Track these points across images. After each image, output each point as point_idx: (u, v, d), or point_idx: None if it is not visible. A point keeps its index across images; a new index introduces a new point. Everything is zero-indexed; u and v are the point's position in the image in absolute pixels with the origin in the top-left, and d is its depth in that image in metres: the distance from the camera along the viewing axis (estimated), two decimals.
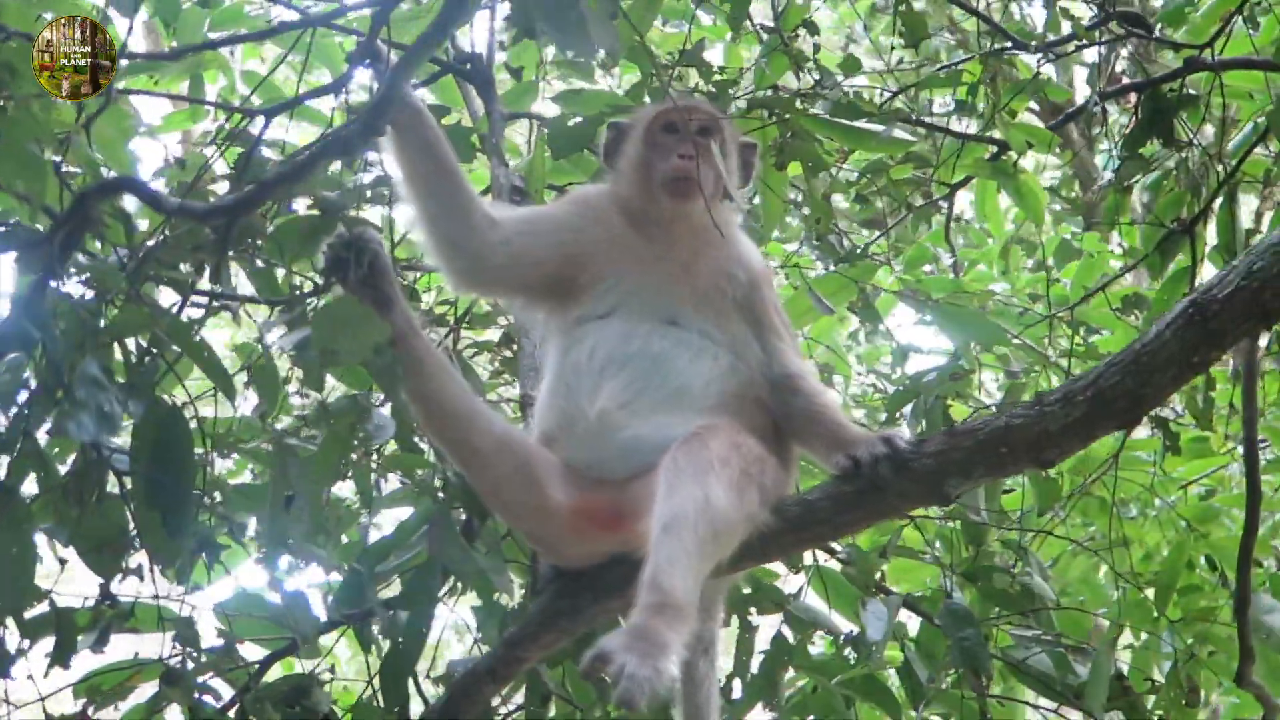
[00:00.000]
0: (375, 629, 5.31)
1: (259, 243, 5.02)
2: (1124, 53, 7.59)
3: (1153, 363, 4.53)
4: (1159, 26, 7.50)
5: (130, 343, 4.73)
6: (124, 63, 7.13)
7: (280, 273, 5.16)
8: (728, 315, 5.16)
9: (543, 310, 5.36)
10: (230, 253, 4.66)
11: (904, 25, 6.57)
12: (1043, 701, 6.66)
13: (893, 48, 7.30)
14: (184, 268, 4.93)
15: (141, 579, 5.39)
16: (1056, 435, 4.61)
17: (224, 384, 4.80)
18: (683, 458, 4.62)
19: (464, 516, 5.54)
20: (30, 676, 5.39)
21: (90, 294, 4.74)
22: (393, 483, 6.09)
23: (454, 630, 6.27)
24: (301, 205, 5.17)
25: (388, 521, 6.36)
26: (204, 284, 5.39)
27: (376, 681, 5.64)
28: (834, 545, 6.52)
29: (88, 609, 5.37)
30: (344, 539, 6.13)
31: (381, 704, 5.42)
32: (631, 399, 4.98)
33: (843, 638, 6.39)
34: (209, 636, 5.63)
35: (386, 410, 4.99)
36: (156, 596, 5.46)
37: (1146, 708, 6.45)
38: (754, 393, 5.09)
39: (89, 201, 4.45)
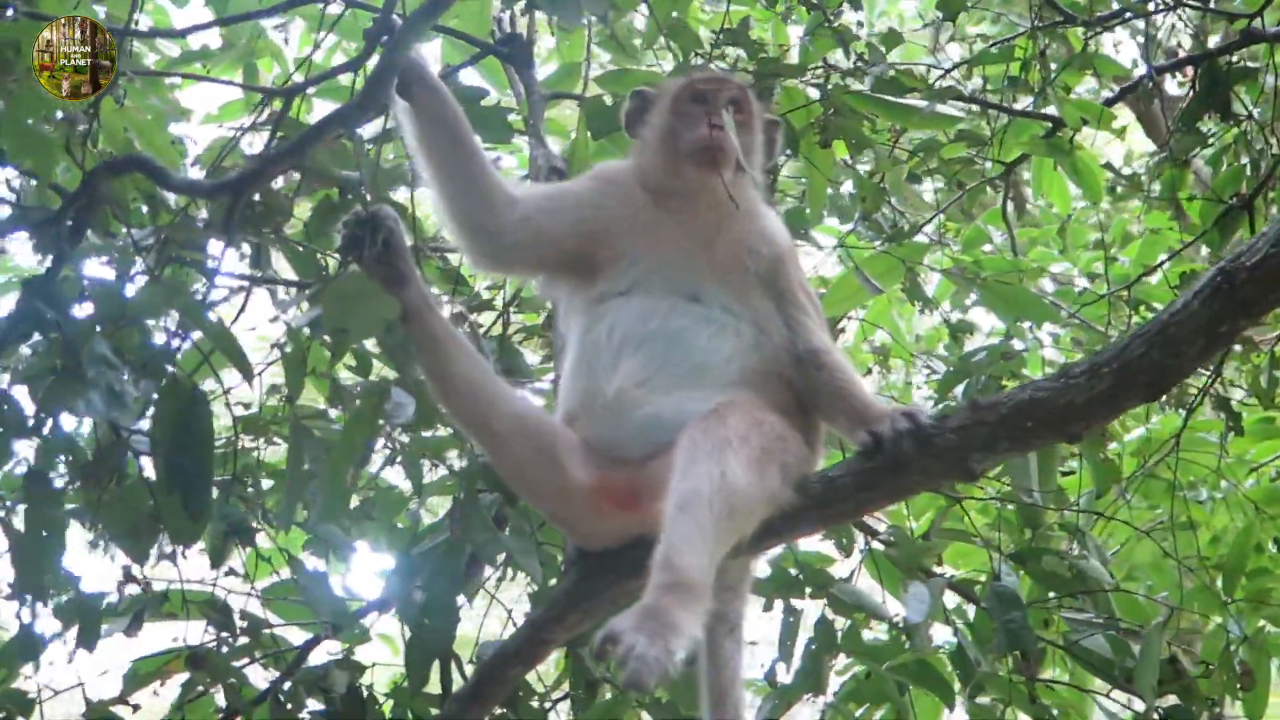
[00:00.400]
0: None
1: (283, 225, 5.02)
2: (1180, 25, 7.40)
3: (1180, 333, 4.40)
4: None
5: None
6: (174, 50, 7.21)
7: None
8: (750, 290, 5.07)
9: (564, 287, 5.30)
10: (243, 231, 4.65)
11: None
12: (1099, 684, 6.53)
13: (938, 24, 7.20)
14: (211, 250, 4.94)
15: (175, 563, 5.42)
16: (1082, 408, 4.49)
17: (241, 365, 4.79)
18: (700, 435, 4.54)
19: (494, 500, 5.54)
20: (71, 660, 5.43)
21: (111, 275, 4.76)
22: (442, 470, 6.11)
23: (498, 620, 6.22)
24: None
25: (441, 508, 6.38)
26: (243, 268, 5.42)
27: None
28: (877, 527, 6.43)
29: (122, 595, 5.41)
30: (398, 524, 6.16)
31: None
32: (650, 376, 4.91)
33: (899, 622, 6.31)
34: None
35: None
36: (183, 581, 5.49)
37: (1200, 691, 6.30)
38: (777, 368, 5.00)
39: (98, 179, 4.45)
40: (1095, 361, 4.52)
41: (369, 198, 4.81)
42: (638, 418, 4.87)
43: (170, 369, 4.66)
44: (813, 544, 6.70)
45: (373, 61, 4.83)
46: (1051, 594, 6.38)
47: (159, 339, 4.68)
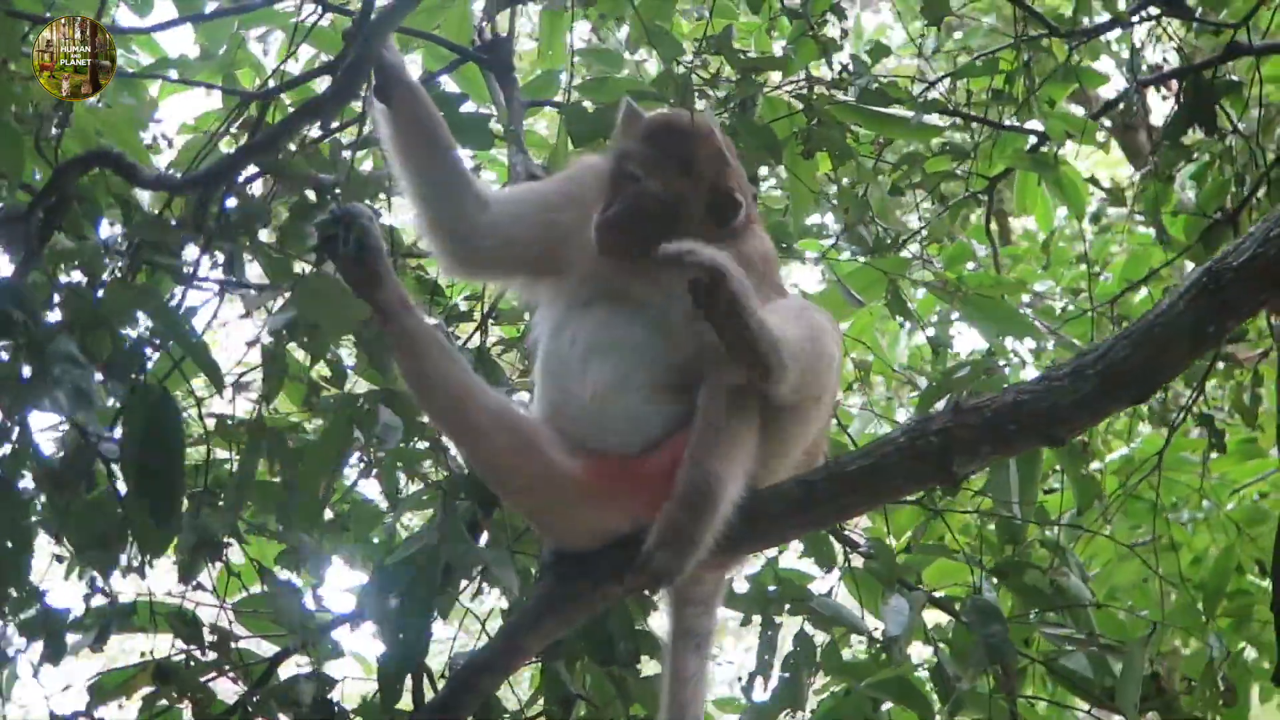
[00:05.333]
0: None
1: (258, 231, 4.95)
2: (1165, 39, 7.36)
3: (1166, 334, 4.35)
4: (1198, 10, 7.28)
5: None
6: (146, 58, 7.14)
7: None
8: None
9: (542, 290, 5.23)
10: (219, 236, 4.57)
11: (924, 1, 6.40)
12: (1078, 702, 6.47)
13: (923, 35, 7.15)
14: (187, 256, 4.87)
15: (143, 576, 5.33)
16: (1066, 411, 4.43)
17: (212, 373, 4.71)
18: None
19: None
20: (36, 675, 5.34)
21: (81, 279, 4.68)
22: (419, 484, 6.04)
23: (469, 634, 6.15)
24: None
25: (416, 523, 6.30)
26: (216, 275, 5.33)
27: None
28: (858, 540, 6.36)
29: (88, 608, 5.31)
30: (374, 539, 6.07)
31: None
32: (622, 379, 4.86)
33: (877, 638, 6.24)
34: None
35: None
36: (151, 594, 5.41)
37: (1183, 708, 6.23)
38: None
39: (67, 175, 4.37)
40: (1079, 364, 4.46)
41: (342, 197, 4.72)
42: (621, 417, 4.82)
43: (138, 372, 4.58)
44: (790, 560, 6.65)
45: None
46: (1033, 610, 6.31)
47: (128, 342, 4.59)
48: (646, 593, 4.76)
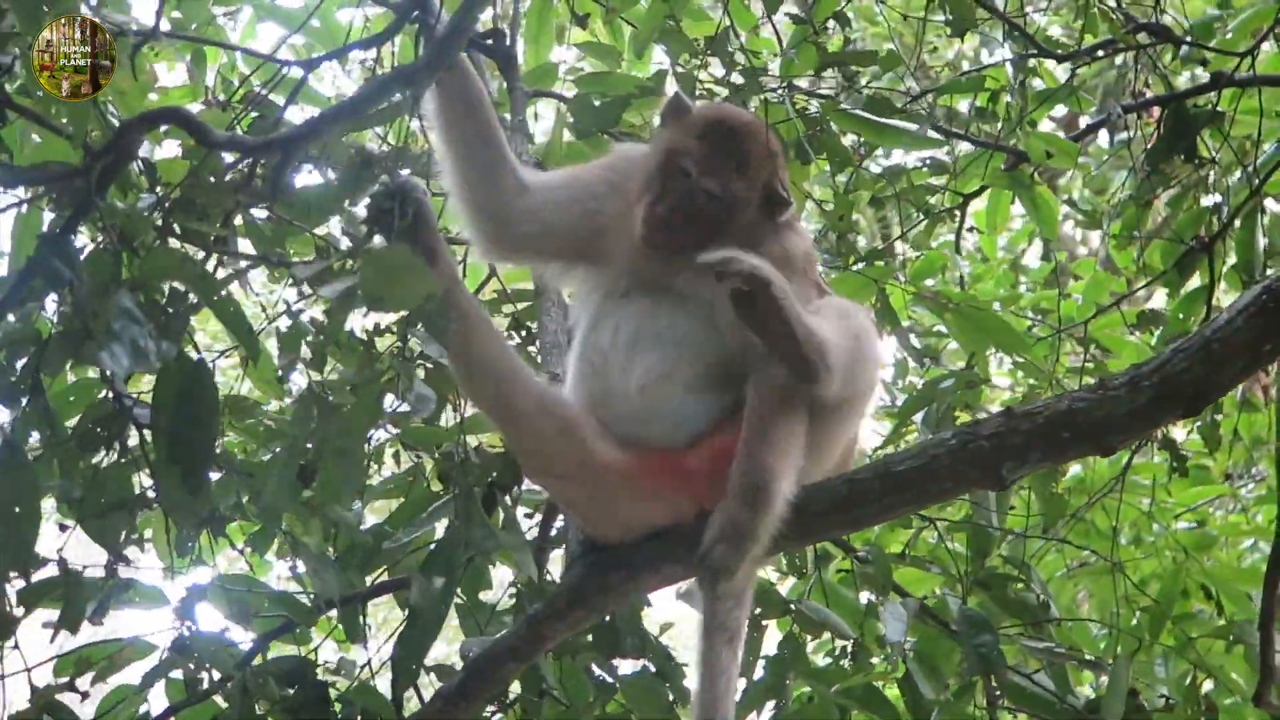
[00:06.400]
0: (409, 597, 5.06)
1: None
2: (1144, 66, 7.45)
3: (1223, 350, 4.44)
4: (1187, 39, 7.37)
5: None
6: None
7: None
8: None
9: (578, 276, 5.20)
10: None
11: (951, 11, 6.41)
12: None
13: (919, 50, 7.19)
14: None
15: (143, 550, 5.21)
16: (1121, 420, 4.50)
17: (248, 343, 4.61)
18: None
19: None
20: (16, 647, 5.20)
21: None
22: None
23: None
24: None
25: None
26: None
27: (373, 665, 5.51)
28: (855, 545, 6.38)
29: (94, 579, 5.19)
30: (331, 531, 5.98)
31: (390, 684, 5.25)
32: (669, 372, 4.85)
33: (845, 646, 6.26)
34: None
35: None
36: (169, 568, 5.31)
37: None
38: None
39: (132, 132, 4.26)
40: (1135, 375, 4.52)
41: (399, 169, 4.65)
42: (666, 409, 4.81)
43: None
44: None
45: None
46: (1015, 622, 6.35)
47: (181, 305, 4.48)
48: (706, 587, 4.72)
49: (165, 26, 7.51)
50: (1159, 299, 8.58)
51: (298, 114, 5.38)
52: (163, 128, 4.57)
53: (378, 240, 4.61)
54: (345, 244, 4.60)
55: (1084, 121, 8.86)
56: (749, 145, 5.07)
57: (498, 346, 4.86)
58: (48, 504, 4.82)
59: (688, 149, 5.03)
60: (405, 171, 4.75)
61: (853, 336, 4.79)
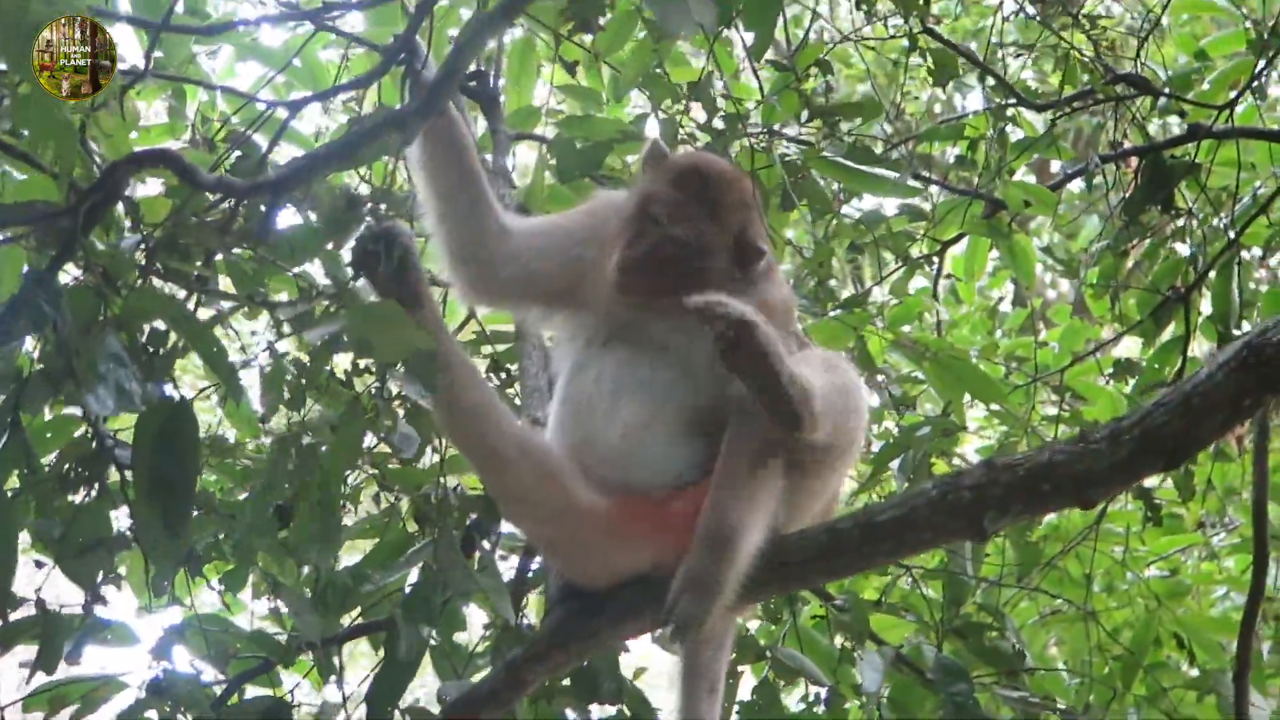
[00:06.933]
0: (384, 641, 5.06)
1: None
2: (1123, 116, 7.49)
3: (1203, 405, 4.43)
4: (1165, 91, 7.42)
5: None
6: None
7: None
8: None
9: (559, 322, 5.20)
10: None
11: (933, 63, 6.44)
12: None
13: (901, 98, 7.23)
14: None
15: (119, 589, 5.19)
16: (1102, 474, 4.50)
17: (231, 383, 4.59)
18: None
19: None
20: (29, 681, 5.20)
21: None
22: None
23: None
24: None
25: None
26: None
27: (350, 706, 5.48)
28: (831, 593, 6.38)
29: (70, 615, 5.17)
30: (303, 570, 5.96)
31: None
32: (651, 419, 4.84)
33: (819, 693, 6.25)
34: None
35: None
36: (144, 607, 5.29)
37: None
38: None
39: (119, 172, 4.25)
40: (1116, 428, 4.52)
41: (384, 212, 4.64)
42: (650, 456, 4.80)
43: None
44: None
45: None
46: (989, 670, 6.36)
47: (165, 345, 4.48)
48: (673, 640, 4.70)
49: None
50: (1129, 345, 8.57)
51: (280, 154, 5.42)
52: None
53: (362, 283, 4.61)
54: (326, 284, 4.59)
55: (1055, 166, 8.90)
56: (721, 193, 5.09)
57: (479, 390, 4.85)
58: (23, 540, 4.81)
59: (661, 196, 5.05)
60: (389, 212, 4.72)
61: (839, 389, 4.79)
